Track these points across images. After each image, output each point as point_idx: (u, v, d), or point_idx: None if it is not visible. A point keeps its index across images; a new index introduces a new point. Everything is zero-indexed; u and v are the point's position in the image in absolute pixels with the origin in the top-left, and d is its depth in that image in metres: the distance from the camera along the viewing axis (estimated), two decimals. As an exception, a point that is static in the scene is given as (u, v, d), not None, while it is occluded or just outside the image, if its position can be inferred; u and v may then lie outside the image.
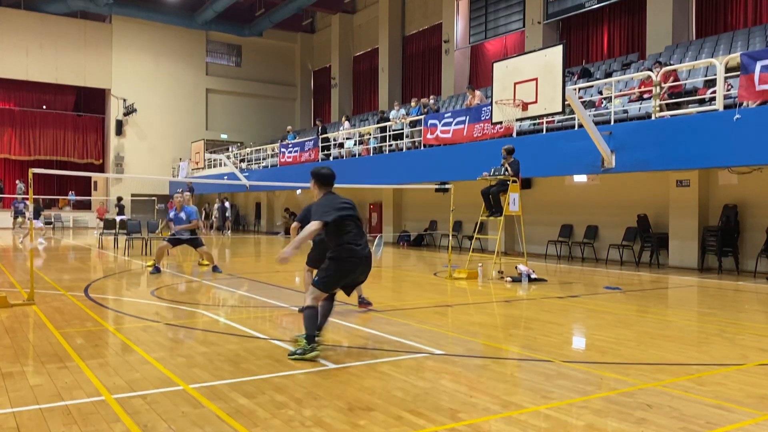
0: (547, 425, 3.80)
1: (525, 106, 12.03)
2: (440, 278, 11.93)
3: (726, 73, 11.22)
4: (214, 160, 30.63)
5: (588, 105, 14.43)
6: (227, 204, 30.69)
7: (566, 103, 11.52)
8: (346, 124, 24.05)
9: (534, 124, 15.28)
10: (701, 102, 12.26)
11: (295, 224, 7.52)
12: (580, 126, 12.80)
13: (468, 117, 16.37)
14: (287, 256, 5.30)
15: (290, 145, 25.38)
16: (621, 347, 6.00)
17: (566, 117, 13.96)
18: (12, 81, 32.44)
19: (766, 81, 10.25)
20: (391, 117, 21.10)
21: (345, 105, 33.81)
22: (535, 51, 12.62)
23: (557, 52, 11.47)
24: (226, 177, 26.54)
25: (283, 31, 37.54)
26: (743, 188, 13.34)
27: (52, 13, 32.03)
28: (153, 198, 31.34)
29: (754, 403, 4.28)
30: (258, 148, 29.67)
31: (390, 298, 9.48)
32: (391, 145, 19.96)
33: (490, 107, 13.90)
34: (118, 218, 22.25)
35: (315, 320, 5.42)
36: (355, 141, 22.01)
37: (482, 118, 15.68)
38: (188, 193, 13.60)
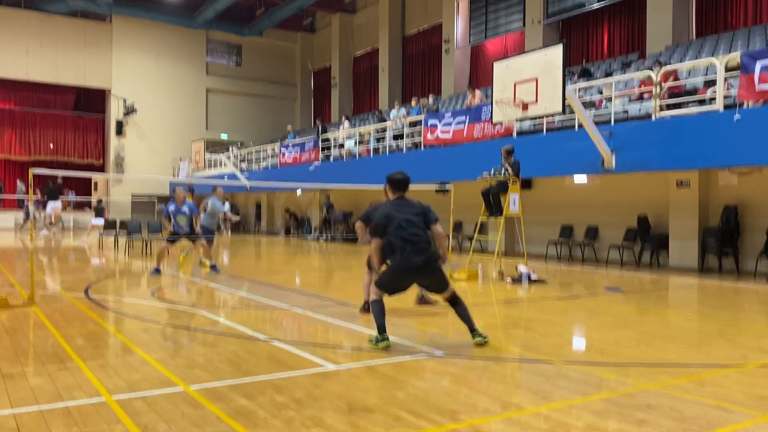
0: (548, 426, 3.80)
1: (525, 106, 12.02)
2: (440, 278, 11.90)
3: (726, 72, 11.22)
4: (214, 160, 30.64)
5: (588, 105, 14.42)
6: (228, 204, 30.68)
7: (566, 103, 11.52)
8: (346, 124, 24.05)
9: (534, 124, 15.28)
10: (701, 102, 12.25)
11: (358, 223, 7.66)
12: (580, 126, 12.80)
13: (468, 117, 16.37)
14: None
15: (290, 145, 25.38)
16: (621, 348, 6.00)
17: (566, 117, 13.95)
18: (12, 81, 32.41)
19: (766, 81, 10.25)
20: (391, 117, 21.10)
21: (345, 105, 33.81)
22: (535, 51, 12.61)
23: (557, 51, 11.46)
24: (226, 177, 26.55)
25: (283, 31, 37.53)
26: (743, 189, 13.33)
27: (52, 13, 32.01)
28: (153, 198, 31.33)
29: (754, 403, 4.28)
30: (258, 148, 29.67)
31: (390, 299, 9.47)
32: (390, 145, 19.96)
33: (490, 107, 13.90)
34: (94, 221, 22.14)
35: (382, 313, 5.82)
36: (356, 141, 22.01)
37: (482, 118, 15.68)
38: (220, 189, 13.89)
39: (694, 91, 12.85)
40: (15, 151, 33.57)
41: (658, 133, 11.86)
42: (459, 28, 25.94)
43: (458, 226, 19.69)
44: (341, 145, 22.93)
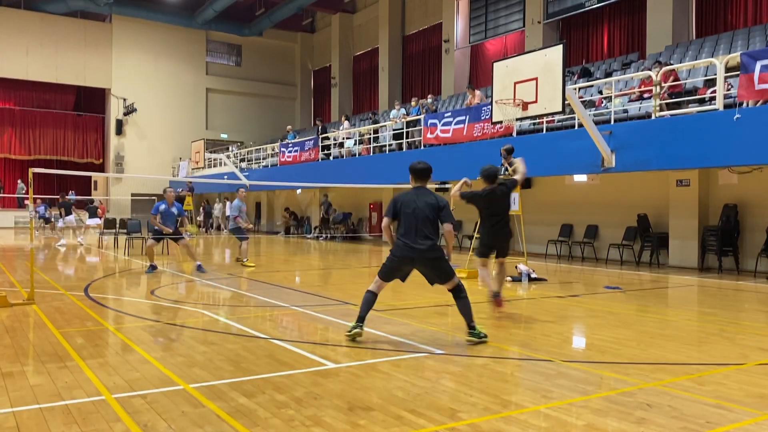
0: (547, 425, 3.80)
1: (525, 106, 12.02)
2: (440, 278, 11.90)
3: (726, 72, 11.22)
4: (214, 160, 30.64)
5: (588, 105, 14.43)
6: (230, 204, 30.73)
7: (566, 102, 11.52)
8: (346, 123, 24.07)
9: (534, 124, 15.28)
10: (701, 102, 12.25)
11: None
12: (580, 126, 12.80)
13: (468, 117, 16.37)
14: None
15: (290, 145, 25.39)
16: (621, 347, 6.00)
17: (566, 117, 13.96)
18: (12, 81, 32.44)
19: (766, 81, 10.25)
20: (391, 116, 21.13)
21: (345, 105, 33.81)
22: (535, 51, 12.61)
23: (557, 51, 11.47)
24: (226, 176, 26.55)
25: (283, 31, 37.53)
26: (743, 188, 13.33)
27: (52, 13, 32.02)
28: (153, 197, 31.33)
29: (754, 402, 4.28)
30: (258, 147, 29.67)
31: (390, 298, 9.48)
32: (390, 146, 19.96)
33: (490, 107, 13.90)
34: (61, 222, 22.37)
35: (369, 304, 6.03)
36: (355, 141, 22.03)
37: (482, 118, 15.67)
38: (243, 190, 14.40)
39: (694, 91, 12.85)
40: (15, 150, 33.59)
41: (658, 133, 11.86)
42: (459, 28, 25.93)
43: (458, 225, 19.68)
44: (341, 145, 22.96)
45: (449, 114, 17.31)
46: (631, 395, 4.40)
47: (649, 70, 13.87)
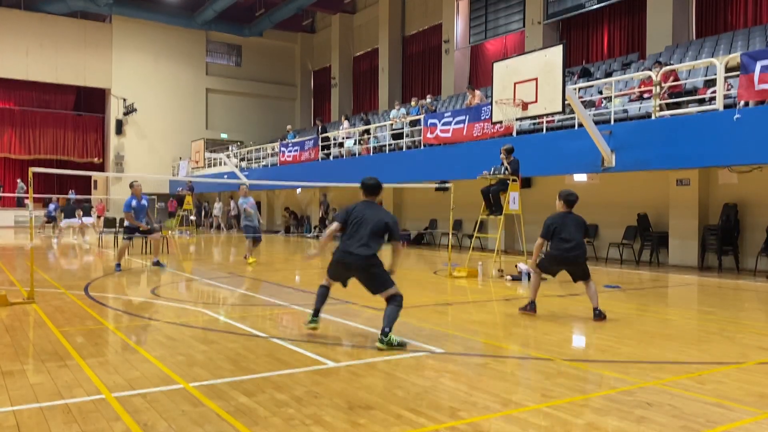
0: (548, 424, 3.80)
1: (525, 106, 12.02)
2: (440, 277, 11.93)
3: (726, 73, 11.22)
4: (214, 160, 30.63)
5: (588, 105, 14.43)
6: (232, 204, 30.72)
7: (566, 102, 11.52)
8: (346, 123, 24.08)
9: (534, 124, 15.28)
10: (701, 102, 12.26)
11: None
12: (580, 125, 12.80)
13: (468, 116, 16.38)
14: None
15: (290, 145, 25.40)
16: (621, 346, 6.00)
17: (566, 116, 13.96)
18: (12, 81, 32.42)
19: (765, 81, 10.26)
20: (391, 116, 21.15)
21: (345, 105, 33.80)
22: (535, 51, 12.61)
23: (557, 52, 11.47)
24: (226, 176, 26.56)
25: (283, 31, 37.52)
26: (743, 187, 13.34)
27: (52, 13, 32.00)
28: (153, 197, 31.31)
29: (753, 401, 4.28)
30: (258, 147, 29.67)
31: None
32: (390, 146, 19.97)
33: (490, 107, 13.90)
34: (84, 219, 22.68)
35: (320, 298, 6.29)
36: (355, 140, 22.04)
37: (482, 118, 15.68)
38: (243, 186, 14.34)
39: (694, 91, 12.86)
40: (15, 150, 33.59)
41: (658, 133, 11.86)
42: (459, 28, 25.93)
43: (458, 224, 19.69)
44: (341, 144, 22.97)
45: (449, 114, 17.31)
46: (631, 394, 4.40)
47: (649, 70, 13.87)
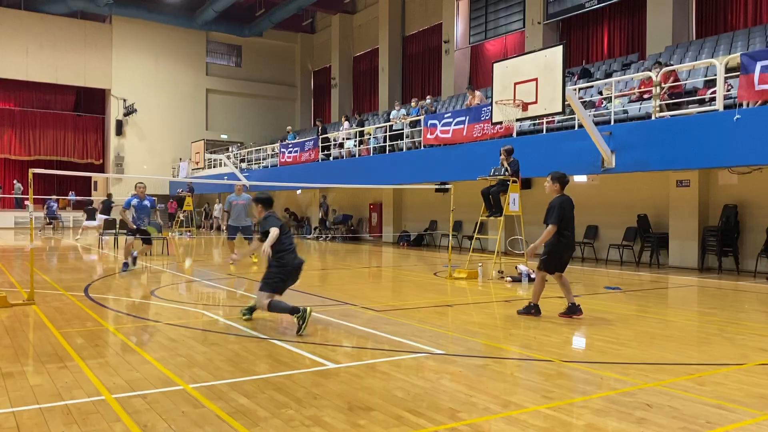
0: (547, 425, 3.80)
1: (525, 107, 12.02)
2: (440, 278, 11.93)
3: (726, 73, 11.23)
4: (214, 160, 30.63)
5: (588, 105, 14.43)
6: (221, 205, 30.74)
7: (566, 103, 11.52)
8: (346, 124, 24.07)
9: (534, 125, 15.28)
10: (701, 102, 12.26)
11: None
12: (580, 126, 12.80)
13: (468, 117, 16.37)
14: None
15: (290, 145, 25.40)
16: (621, 347, 6.00)
17: (566, 117, 13.96)
18: (12, 81, 32.44)
19: (765, 81, 10.26)
20: (391, 117, 21.15)
21: (345, 105, 33.81)
22: (535, 51, 12.61)
23: (557, 52, 11.47)
24: (226, 177, 26.55)
25: (283, 32, 37.54)
26: (743, 188, 13.34)
27: (52, 14, 32.02)
28: (153, 198, 31.32)
29: (754, 402, 4.28)
30: (258, 148, 29.66)
31: (390, 298, 9.48)
32: (390, 146, 19.97)
33: (490, 107, 13.90)
34: (86, 223, 22.75)
35: (282, 303, 6.68)
36: (355, 141, 22.04)
37: (482, 118, 15.68)
38: (239, 185, 14.31)
39: (694, 92, 12.86)
40: (15, 151, 33.60)
41: (657, 133, 11.86)
42: (459, 28, 25.93)
43: (458, 226, 19.69)
44: (341, 145, 22.97)
45: (449, 114, 17.31)
46: (632, 395, 4.40)
47: (649, 70, 13.87)
